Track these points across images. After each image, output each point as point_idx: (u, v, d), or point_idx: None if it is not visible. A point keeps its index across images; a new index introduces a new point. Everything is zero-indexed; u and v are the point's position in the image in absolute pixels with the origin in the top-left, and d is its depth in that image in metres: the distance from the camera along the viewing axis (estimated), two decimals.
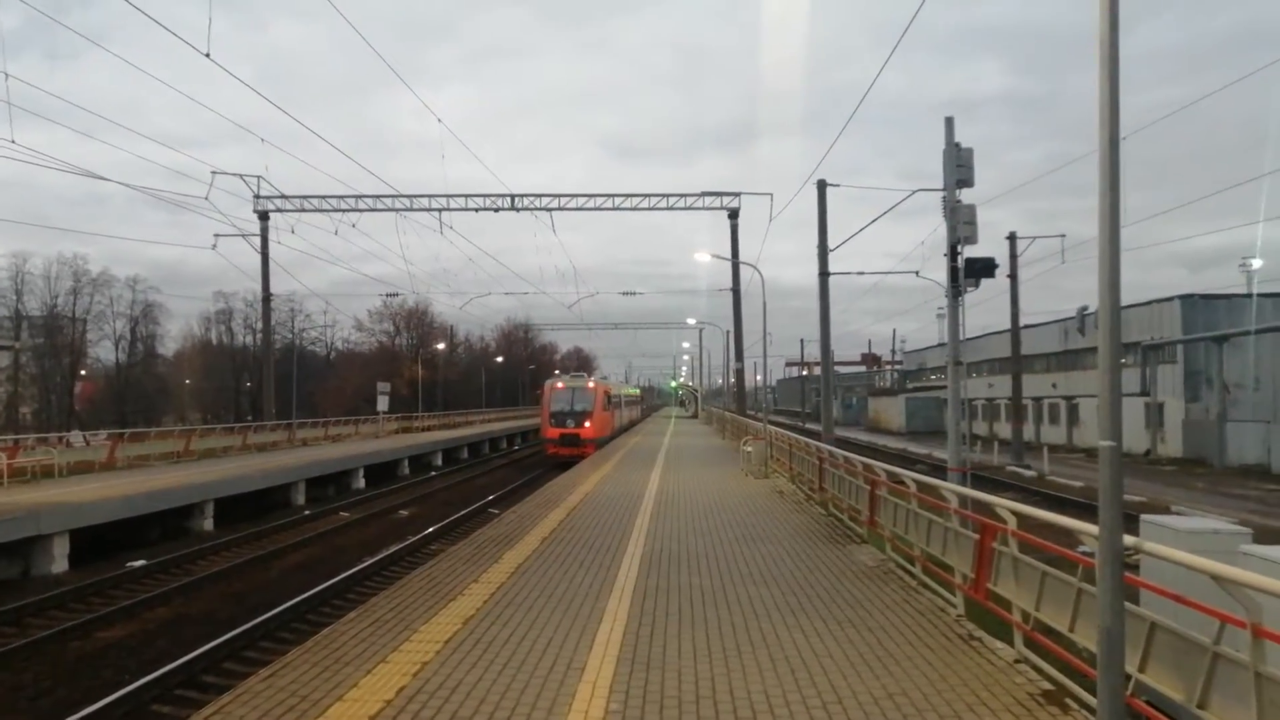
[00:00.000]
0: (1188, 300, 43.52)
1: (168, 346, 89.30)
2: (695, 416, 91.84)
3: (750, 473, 24.65)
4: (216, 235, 44.36)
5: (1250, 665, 4.49)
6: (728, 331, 56.15)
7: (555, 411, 44.53)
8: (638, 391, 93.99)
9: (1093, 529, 5.19)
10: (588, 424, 43.87)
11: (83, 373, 79.29)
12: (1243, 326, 39.53)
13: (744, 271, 48.16)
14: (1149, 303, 45.73)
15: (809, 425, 74.47)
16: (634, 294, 61.00)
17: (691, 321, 75.66)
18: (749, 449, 25.95)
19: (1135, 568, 7.70)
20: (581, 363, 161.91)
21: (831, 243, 28.02)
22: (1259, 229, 42.41)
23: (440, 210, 45.90)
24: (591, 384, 46.80)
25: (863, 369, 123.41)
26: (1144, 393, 42.75)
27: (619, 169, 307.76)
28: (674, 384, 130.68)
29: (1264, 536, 16.64)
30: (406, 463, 42.05)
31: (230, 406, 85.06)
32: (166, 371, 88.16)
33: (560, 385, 46.20)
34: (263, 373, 55.16)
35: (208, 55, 17.91)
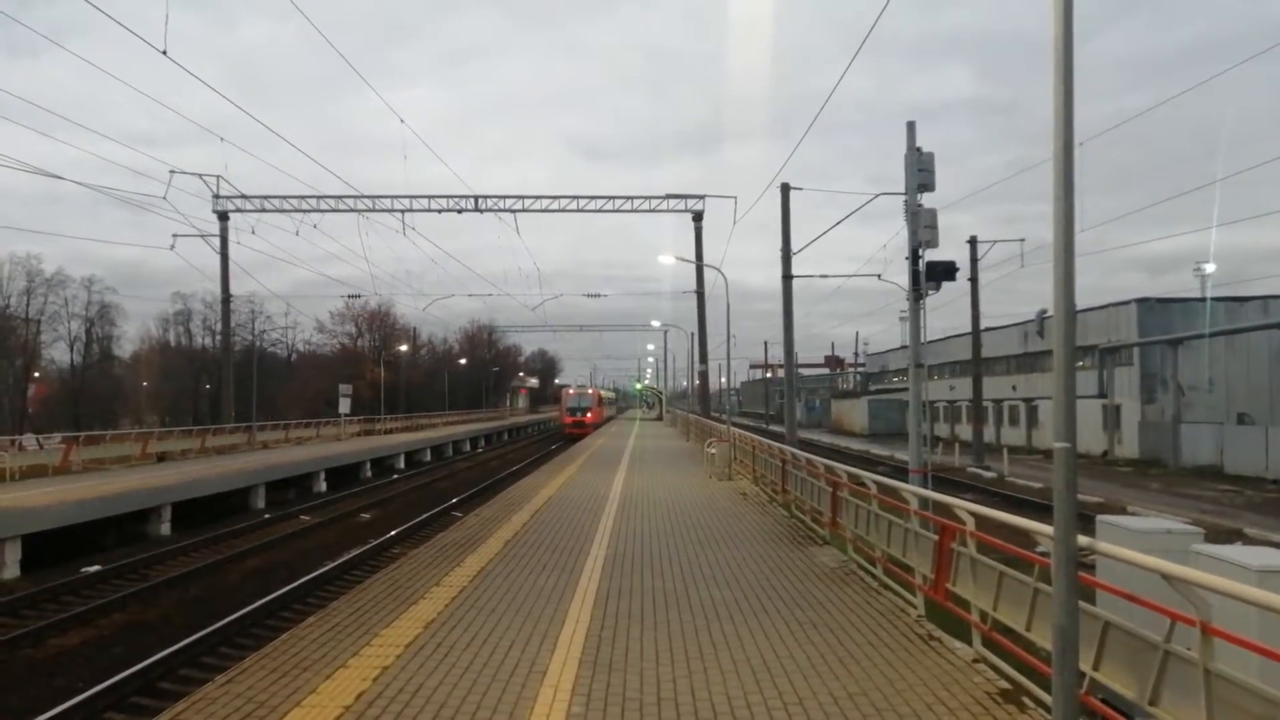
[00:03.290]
0: (1144, 304, 44.31)
1: (124, 348, 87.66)
2: (660, 419, 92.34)
3: (714, 475, 24.74)
4: (175, 235, 43.68)
5: (1200, 662, 4.58)
6: (692, 334, 56.22)
7: (570, 406, 74.92)
8: (613, 394, 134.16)
9: (1048, 530, 5.26)
10: (589, 414, 73.12)
11: (36, 375, 77.69)
12: (1197, 330, 40.34)
13: (708, 274, 48.43)
14: (1106, 306, 46.49)
15: (772, 427, 74.85)
16: (598, 296, 60.30)
17: (656, 324, 76.24)
18: (713, 451, 26.04)
19: (1091, 568, 7.83)
20: (546, 366, 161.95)
21: (795, 246, 28.18)
22: (1212, 234, 43.28)
23: (403, 211, 45.68)
24: (591, 390, 79.84)
25: (826, 371, 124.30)
26: (1101, 395, 43.45)
27: (585, 171, 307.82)
28: (638, 386, 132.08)
29: (1216, 536, 16.94)
30: (368, 465, 41.70)
31: (189, 409, 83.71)
32: (123, 374, 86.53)
33: (572, 390, 78.87)
34: (222, 375, 54.41)
35: (164, 53, 17.66)
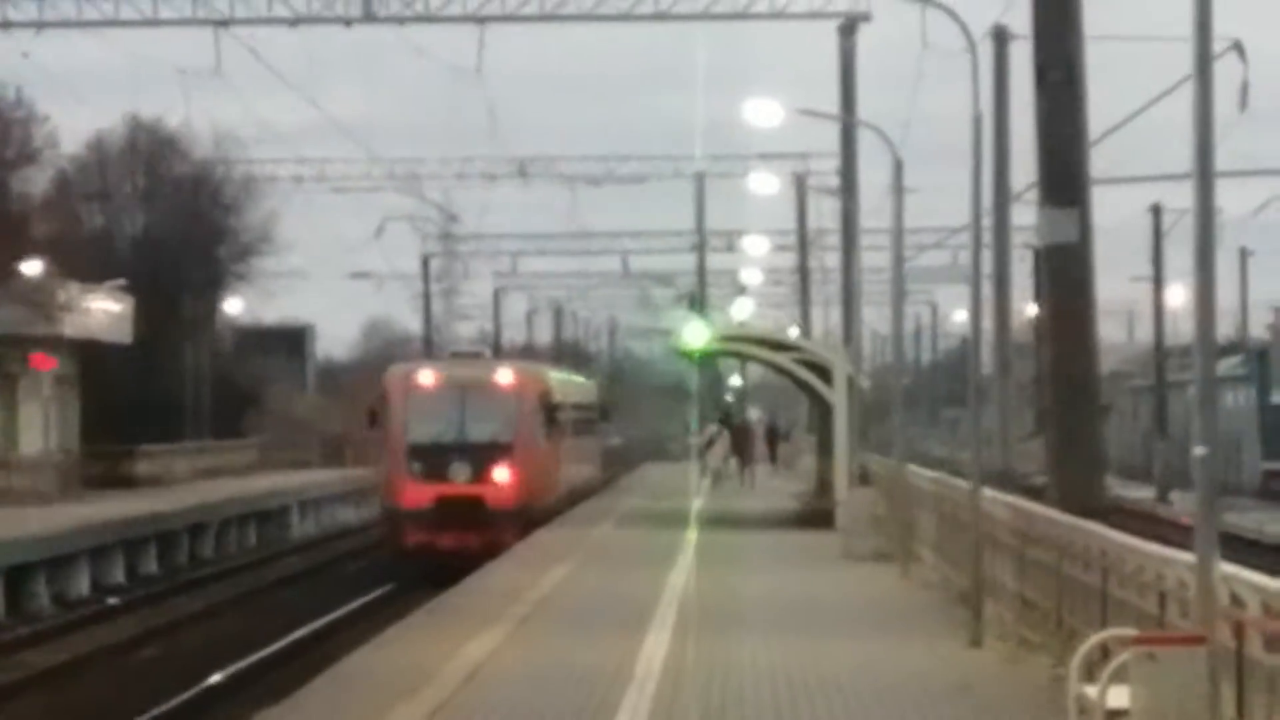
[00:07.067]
0: None
1: None
2: (827, 519, 35.49)
3: None
4: None
5: None
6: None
7: (419, 443, 38.31)
8: (590, 385, 68.14)
9: None
10: (502, 471, 37.98)
11: None
12: None
13: None
14: None
15: None
16: None
17: None
18: None
19: None
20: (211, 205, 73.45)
21: None
22: None
23: None
24: (508, 375, 41.10)
25: None
26: None
27: None
28: (688, 344, 42.93)
29: None
30: None
31: None
32: None
33: (430, 378, 40.65)
34: None
35: None
